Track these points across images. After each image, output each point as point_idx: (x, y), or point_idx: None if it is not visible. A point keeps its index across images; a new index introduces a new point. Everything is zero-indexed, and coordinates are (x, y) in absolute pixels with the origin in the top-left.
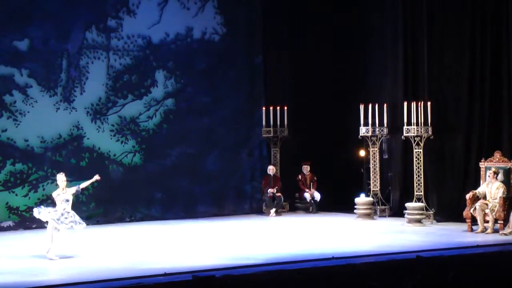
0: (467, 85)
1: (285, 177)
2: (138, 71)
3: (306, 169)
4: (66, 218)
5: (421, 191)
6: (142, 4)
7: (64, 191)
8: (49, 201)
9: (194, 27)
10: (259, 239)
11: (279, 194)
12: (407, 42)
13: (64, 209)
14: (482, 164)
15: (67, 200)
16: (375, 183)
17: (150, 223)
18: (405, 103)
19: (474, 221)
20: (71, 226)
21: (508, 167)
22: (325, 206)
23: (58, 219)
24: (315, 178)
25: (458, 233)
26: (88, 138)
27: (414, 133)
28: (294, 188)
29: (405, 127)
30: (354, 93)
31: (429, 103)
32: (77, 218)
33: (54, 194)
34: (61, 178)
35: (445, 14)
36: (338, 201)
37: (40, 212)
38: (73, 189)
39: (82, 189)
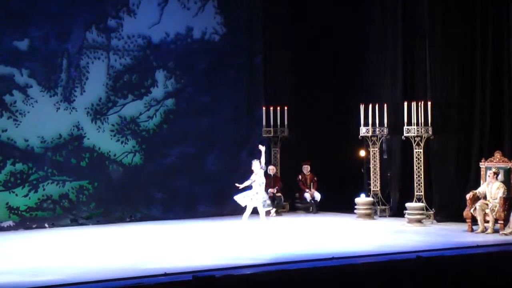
0: (468, 85)
1: (285, 177)
2: (138, 71)
3: (306, 169)
4: (257, 199)
5: (421, 191)
6: (142, 4)
7: (258, 176)
8: (49, 201)
9: (194, 27)
10: (259, 239)
11: (279, 194)
12: (407, 42)
13: (257, 192)
14: (483, 164)
15: (260, 184)
16: (375, 183)
17: (150, 223)
18: (405, 103)
19: (474, 221)
20: (263, 205)
21: (509, 167)
22: (325, 206)
23: (256, 202)
24: (315, 178)
25: (458, 233)
26: (88, 138)
27: (414, 133)
28: (294, 188)
29: (405, 127)
30: (354, 93)
31: (429, 103)
32: (268, 200)
33: (252, 178)
34: (256, 164)
35: (446, 13)
36: (338, 201)
37: (244, 197)
38: (261, 171)
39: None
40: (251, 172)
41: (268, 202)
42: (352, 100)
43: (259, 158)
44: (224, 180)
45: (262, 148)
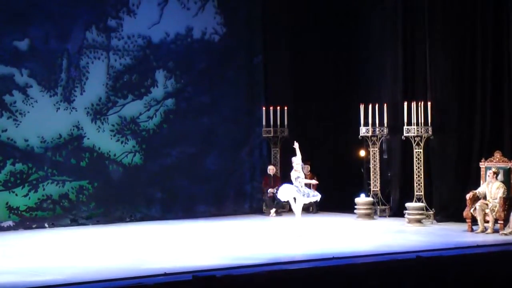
0: (468, 85)
1: (285, 177)
2: (138, 71)
3: (306, 169)
4: (298, 192)
5: (421, 191)
6: (142, 4)
7: (297, 172)
8: (49, 201)
9: (194, 27)
10: (259, 239)
11: None
12: (407, 42)
13: (297, 187)
14: (483, 164)
15: (298, 177)
16: (375, 183)
17: (150, 223)
18: (405, 103)
19: (474, 221)
20: (306, 198)
21: (508, 167)
22: (325, 206)
23: (294, 197)
24: (315, 178)
25: (458, 233)
26: (88, 138)
27: (414, 133)
28: None
29: (405, 127)
30: (354, 93)
31: (429, 103)
32: (311, 192)
33: (292, 175)
34: (296, 160)
35: (446, 13)
36: (338, 201)
37: (284, 193)
38: (300, 166)
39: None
40: (291, 168)
41: (311, 193)
42: (352, 100)
43: (295, 154)
44: (224, 180)
45: (296, 145)
